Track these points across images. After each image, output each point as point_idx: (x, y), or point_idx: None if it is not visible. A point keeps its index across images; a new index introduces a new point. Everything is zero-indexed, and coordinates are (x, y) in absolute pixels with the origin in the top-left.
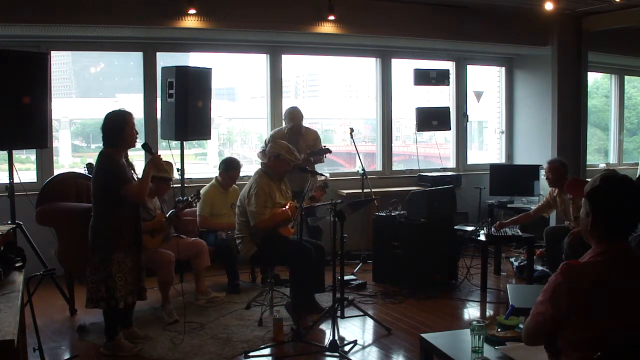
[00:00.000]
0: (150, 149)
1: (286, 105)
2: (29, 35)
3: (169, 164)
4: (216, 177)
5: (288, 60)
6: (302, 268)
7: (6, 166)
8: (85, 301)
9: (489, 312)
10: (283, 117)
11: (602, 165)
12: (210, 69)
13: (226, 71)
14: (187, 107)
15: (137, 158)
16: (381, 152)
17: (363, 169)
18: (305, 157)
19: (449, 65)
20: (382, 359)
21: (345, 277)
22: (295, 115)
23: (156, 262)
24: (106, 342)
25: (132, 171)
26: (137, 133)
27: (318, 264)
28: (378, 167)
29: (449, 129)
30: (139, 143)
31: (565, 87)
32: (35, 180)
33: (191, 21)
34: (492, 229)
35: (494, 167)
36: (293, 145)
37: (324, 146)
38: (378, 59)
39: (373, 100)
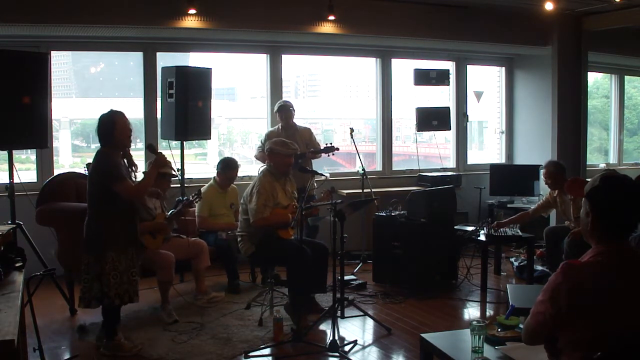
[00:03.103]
0: (154, 149)
1: None
2: (29, 35)
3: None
4: (214, 177)
5: (288, 60)
6: (299, 269)
7: (6, 166)
8: (78, 300)
9: (489, 312)
10: (275, 110)
11: (602, 165)
12: (210, 69)
13: (226, 71)
14: (187, 107)
15: (138, 158)
16: (381, 152)
17: (363, 169)
18: (310, 155)
19: (449, 65)
20: (382, 359)
21: (345, 277)
22: (284, 113)
23: (156, 263)
24: (105, 342)
25: (134, 171)
26: (131, 130)
27: (319, 265)
28: (378, 167)
29: (449, 129)
30: (140, 143)
31: (565, 87)
32: (35, 180)
33: (191, 21)
34: (491, 229)
35: (494, 167)
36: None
37: (329, 143)
38: (378, 59)
39: (373, 100)
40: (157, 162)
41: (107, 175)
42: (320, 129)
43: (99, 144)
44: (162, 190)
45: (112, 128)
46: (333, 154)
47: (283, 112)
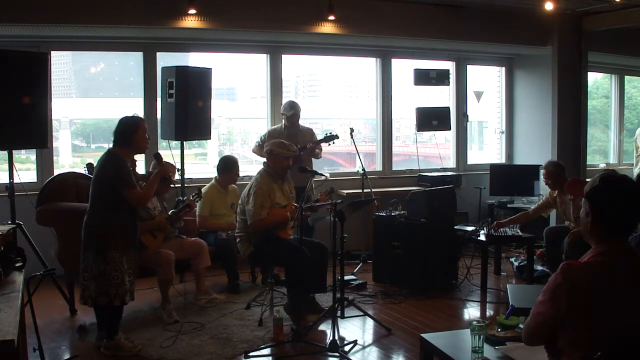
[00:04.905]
0: (160, 159)
1: None
2: (29, 35)
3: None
4: (215, 177)
5: (288, 60)
6: (297, 269)
7: (6, 166)
8: (79, 297)
9: (489, 312)
10: (281, 110)
11: (602, 165)
12: (210, 69)
13: (226, 71)
14: (187, 107)
15: (139, 159)
16: (381, 152)
17: (363, 169)
18: (312, 146)
19: (449, 65)
20: (382, 359)
21: (345, 277)
22: (291, 109)
23: (156, 261)
24: (106, 341)
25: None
26: (149, 139)
27: (319, 265)
28: (378, 167)
29: (449, 129)
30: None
31: (565, 87)
32: (35, 180)
33: (191, 21)
34: (491, 229)
35: (494, 167)
36: (291, 142)
37: (329, 133)
38: (378, 59)
39: (373, 100)
40: (161, 172)
41: (119, 179)
42: (320, 129)
43: (99, 144)
44: (162, 194)
45: (135, 131)
46: (334, 142)
47: (292, 118)
